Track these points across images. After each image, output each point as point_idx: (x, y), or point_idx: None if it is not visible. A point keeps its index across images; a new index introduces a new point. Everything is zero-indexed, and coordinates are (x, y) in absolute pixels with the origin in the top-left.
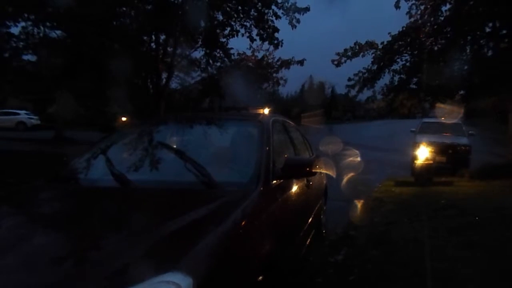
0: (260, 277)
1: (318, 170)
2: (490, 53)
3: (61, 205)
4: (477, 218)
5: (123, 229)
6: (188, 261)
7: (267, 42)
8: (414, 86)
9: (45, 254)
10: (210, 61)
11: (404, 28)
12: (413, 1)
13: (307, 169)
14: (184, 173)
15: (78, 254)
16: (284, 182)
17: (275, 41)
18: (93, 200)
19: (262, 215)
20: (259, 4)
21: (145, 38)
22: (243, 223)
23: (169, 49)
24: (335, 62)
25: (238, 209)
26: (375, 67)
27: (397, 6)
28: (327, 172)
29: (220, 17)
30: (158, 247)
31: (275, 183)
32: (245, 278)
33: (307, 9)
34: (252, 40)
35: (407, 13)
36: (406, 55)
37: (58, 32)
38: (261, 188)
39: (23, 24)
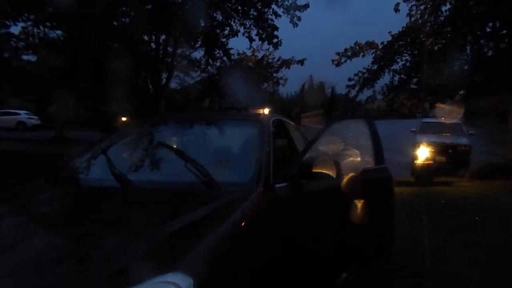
0: (261, 278)
1: (335, 175)
2: (490, 53)
3: (61, 205)
4: (477, 218)
5: (124, 230)
6: (189, 262)
7: (266, 42)
8: (414, 86)
9: (46, 255)
10: (210, 61)
11: (404, 28)
12: (413, 2)
13: (323, 171)
14: (185, 173)
15: (78, 254)
16: (301, 185)
17: (275, 41)
18: (94, 200)
19: (263, 215)
20: (259, 3)
21: (145, 38)
22: (243, 223)
23: (169, 49)
24: (335, 62)
25: (238, 209)
26: (375, 67)
27: (396, 9)
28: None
29: (220, 17)
30: (158, 247)
31: (284, 185)
32: (245, 279)
33: (306, 6)
34: (251, 40)
35: (407, 15)
36: (406, 55)
37: (58, 32)
38: (262, 189)
39: (23, 24)
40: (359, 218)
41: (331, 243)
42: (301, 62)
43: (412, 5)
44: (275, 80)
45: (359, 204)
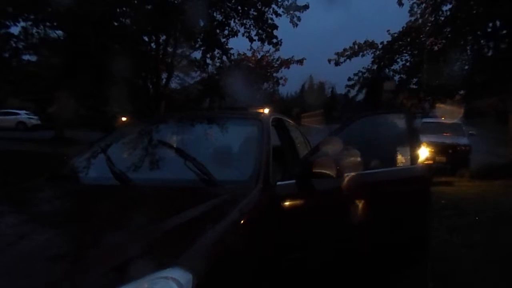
0: (260, 275)
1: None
2: (490, 53)
3: (61, 203)
4: (477, 218)
5: (123, 226)
6: (188, 258)
7: (266, 43)
8: (414, 86)
9: (45, 252)
10: (209, 61)
11: (404, 28)
12: (415, 0)
13: (328, 171)
14: (184, 171)
15: (78, 251)
16: (309, 184)
17: (274, 40)
18: (93, 198)
19: (262, 213)
20: (259, 3)
21: (145, 38)
22: (242, 221)
23: (169, 49)
24: (333, 61)
25: (237, 207)
26: (375, 67)
27: (399, 3)
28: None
29: (220, 17)
30: (158, 243)
31: (287, 182)
32: (244, 276)
33: (306, 7)
34: (251, 40)
35: (409, 11)
36: (406, 55)
37: (58, 32)
38: (261, 186)
39: (23, 24)
40: (379, 221)
41: (341, 246)
42: (301, 62)
43: (413, 3)
44: (275, 80)
45: (380, 206)
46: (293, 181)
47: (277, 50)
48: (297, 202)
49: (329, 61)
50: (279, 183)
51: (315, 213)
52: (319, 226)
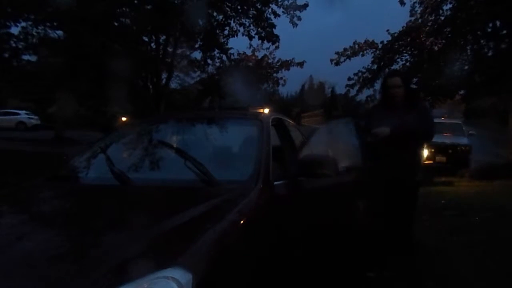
0: (260, 275)
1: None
2: (490, 53)
3: (61, 203)
4: (477, 218)
5: (123, 226)
6: (188, 258)
7: (266, 42)
8: (414, 86)
9: (45, 252)
10: (209, 61)
11: (404, 28)
12: None
13: (325, 169)
14: (184, 171)
15: (77, 251)
16: (299, 183)
17: (274, 38)
18: (93, 198)
19: (262, 213)
20: (258, 3)
21: (145, 38)
22: (242, 220)
23: (169, 49)
24: (334, 61)
25: (237, 206)
26: (375, 66)
27: (401, 2)
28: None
29: (219, 17)
30: (158, 243)
31: (282, 182)
32: (244, 275)
33: (306, 6)
34: (250, 38)
35: (410, 11)
36: (406, 55)
37: (59, 32)
38: (261, 186)
39: (23, 24)
40: (360, 218)
41: (332, 241)
42: (301, 64)
43: (414, 2)
44: (274, 80)
45: (359, 203)
46: (292, 180)
47: (277, 47)
48: (297, 201)
49: (331, 61)
50: (278, 183)
51: (306, 210)
52: (310, 222)
